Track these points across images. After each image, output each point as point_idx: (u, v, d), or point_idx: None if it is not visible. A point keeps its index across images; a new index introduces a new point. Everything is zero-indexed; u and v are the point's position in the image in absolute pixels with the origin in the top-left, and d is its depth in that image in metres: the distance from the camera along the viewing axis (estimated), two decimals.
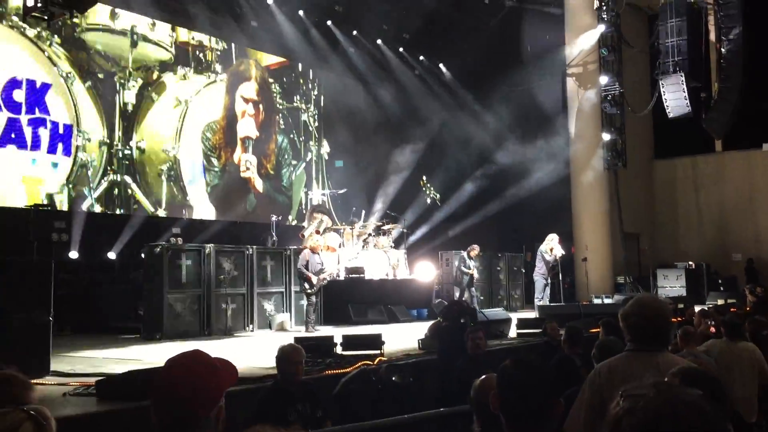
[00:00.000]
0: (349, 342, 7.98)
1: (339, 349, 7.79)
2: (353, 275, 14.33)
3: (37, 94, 13.00)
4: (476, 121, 21.46)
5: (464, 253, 15.37)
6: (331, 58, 19.28)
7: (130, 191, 14.41)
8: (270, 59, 17.92)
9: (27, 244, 9.59)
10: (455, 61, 21.96)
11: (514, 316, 11.30)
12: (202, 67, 16.32)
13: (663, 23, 16.79)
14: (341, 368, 6.84)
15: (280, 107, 17.81)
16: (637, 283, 18.88)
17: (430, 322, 9.27)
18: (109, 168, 14.11)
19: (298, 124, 18.23)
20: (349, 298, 13.79)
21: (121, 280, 13.41)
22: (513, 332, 10.53)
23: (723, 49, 17.67)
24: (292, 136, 17.96)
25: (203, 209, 15.75)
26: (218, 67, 16.58)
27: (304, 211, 17.83)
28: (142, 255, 11.69)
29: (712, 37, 18.20)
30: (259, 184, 16.83)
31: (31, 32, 13.08)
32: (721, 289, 18.91)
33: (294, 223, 17.66)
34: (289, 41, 17.86)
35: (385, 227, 16.48)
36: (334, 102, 19.77)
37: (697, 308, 10.08)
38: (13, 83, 12.73)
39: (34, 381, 6.52)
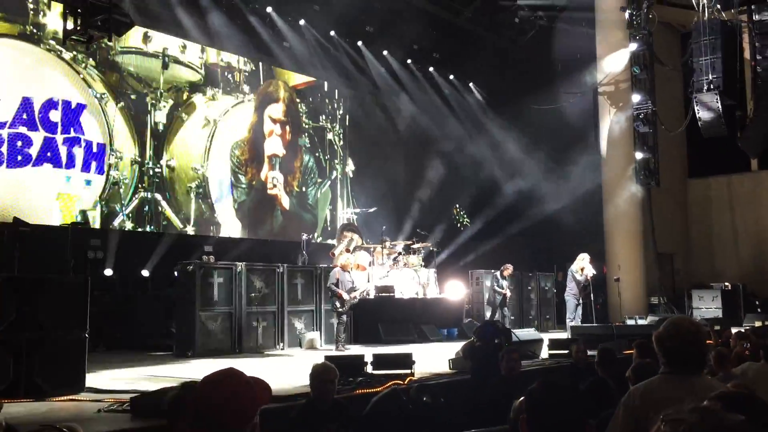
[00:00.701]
0: (380, 361, 7.97)
1: (369, 368, 7.78)
2: (383, 294, 14.32)
3: (72, 115, 13.41)
4: (506, 140, 21.40)
5: (497, 273, 15.28)
6: (359, 78, 19.47)
7: (159, 208, 14.73)
8: (297, 79, 18.18)
9: (64, 262, 9.75)
10: (485, 80, 21.99)
11: (546, 337, 11.19)
12: (231, 87, 16.65)
13: (696, 41, 16.60)
14: (372, 387, 6.83)
15: (306, 126, 18.04)
16: (672, 304, 18.57)
17: (461, 342, 9.22)
18: (140, 185, 14.47)
19: (323, 143, 18.43)
20: (379, 317, 13.78)
21: (154, 297, 13.56)
22: (545, 353, 10.43)
23: (758, 68, 17.41)
24: (317, 154, 18.18)
25: (231, 226, 16.00)
26: (246, 88, 16.91)
27: (329, 228, 17.98)
28: (175, 273, 11.83)
29: (747, 55, 17.96)
30: (285, 202, 17.04)
31: (67, 55, 13.52)
32: (759, 310, 18.50)
33: (319, 240, 17.76)
34: (318, 60, 18.10)
35: (415, 246, 16.47)
36: (360, 121, 19.95)
37: (733, 330, 9.88)
38: (50, 104, 13.13)
39: (70, 397, 6.64)
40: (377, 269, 15.10)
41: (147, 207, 14.54)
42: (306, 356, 10.76)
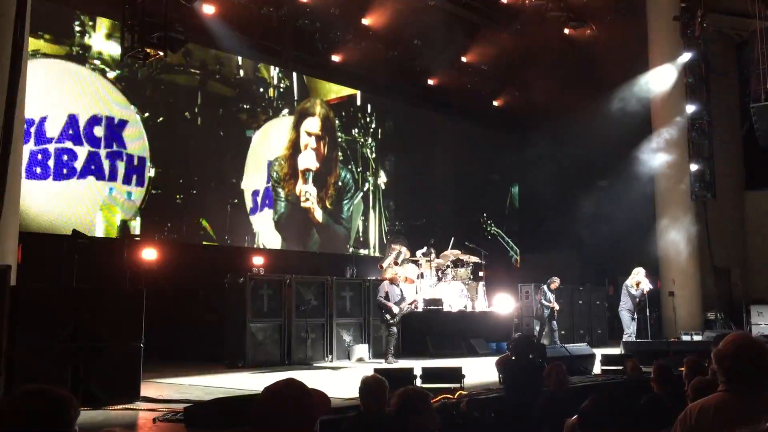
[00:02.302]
0: (429, 374, 7.93)
1: (419, 382, 7.75)
2: (431, 307, 14.27)
3: (115, 130, 13.96)
4: (557, 152, 21.18)
5: (544, 286, 15.08)
6: (405, 89, 19.70)
7: (197, 220, 15.02)
8: (332, 94, 18.42)
9: (120, 273, 10.02)
10: (535, 92, 21.83)
11: (598, 352, 10.98)
12: (266, 103, 16.97)
13: (753, 50, 16.19)
14: None
15: (340, 140, 18.24)
16: (729, 319, 18.02)
17: None
18: (177, 197, 14.85)
19: (356, 156, 18.59)
20: (428, 330, 13.74)
21: (205, 308, 13.78)
22: (597, 368, 10.23)
23: None
24: (350, 166, 18.32)
25: (270, 238, 16.25)
26: (280, 104, 17.22)
27: (361, 239, 18.09)
28: (226, 284, 12.02)
29: None
30: (318, 215, 17.24)
31: (112, 74, 14.11)
32: None
33: (351, 251, 17.87)
34: (361, 72, 18.41)
35: (464, 258, 16.39)
36: (400, 133, 20.11)
37: None
38: (94, 120, 13.71)
39: (125, 406, 6.79)
40: (426, 282, 15.07)
41: (184, 217, 14.96)
42: (355, 369, 10.79)
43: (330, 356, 12.31)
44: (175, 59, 14.61)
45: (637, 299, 14.28)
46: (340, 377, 9.73)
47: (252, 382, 9.10)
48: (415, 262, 15.62)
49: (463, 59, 20.58)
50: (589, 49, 21.02)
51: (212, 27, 15.21)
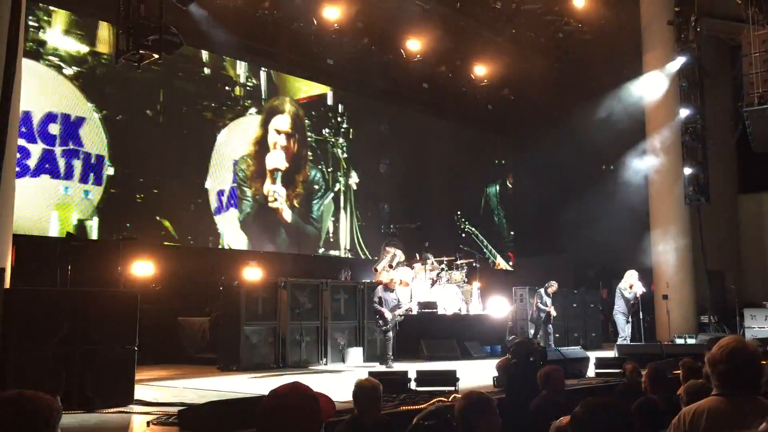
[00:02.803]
0: (424, 378, 7.93)
1: (413, 385, 7.75)
2: (426, 310, 14.28)
3: (71, 128, 13.62)
4: (550, 154, 21.24)
5: (541, 290, 15.10)
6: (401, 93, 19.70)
7: (158, 218, 14.73)
8: (302, 93, 18.13)
9: (114, 276, 10.00)
10: (529, 94, 21.89)
11: (592, 355, 11.00)
12: (232, 102, 16.62)
13: (746, 54, 16.26)
14: (416, 404, 6.81)
15: (310, 140, 18.00)
16: (723, 323, 18.07)
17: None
18: (137, 197, 14.54)
19: (326, 156, 18.38)
20: (422, 333, 13.74)
21: (199, 311, 13.76)
22: (591, 371, 10.25)
23: None
24: (320, 166, 18.10)
25: (234, 238, 15.96)
26: (247, 102, 16.90)
27: (332, 240, 17.92)
28: (220, 287, 12.00)
29: None
30: (287, 215, 16.99)
31: (68, 71, 13.76)
32: None
33: (321, 252, 17.74)
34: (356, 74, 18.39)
35: (458, 262, 16.42)
36: (395, 135, 20.09)
37: None
38: (49, 117, 13.40)
39: (119, 409, 6.77)
40: (420, 285, 15.08)
41: (145, 217, 14.58)
42: (349, 372, 10.79)
43: (324, 359, 12.30)
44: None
45: (631, 302, 14.33)
46: (334, 380, 9.71)
47: (246, 385, 9.09)
48: (410, 265, 15.64)
49: (458, 63, 20.61)
50: (583, 53, 21.09)
51: (206, 29, 15.19)
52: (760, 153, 16.93)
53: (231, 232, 15.94)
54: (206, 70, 16.11)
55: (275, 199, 16.80)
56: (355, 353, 12.65)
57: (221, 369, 11.18)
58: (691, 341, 14.84)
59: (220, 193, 15.88)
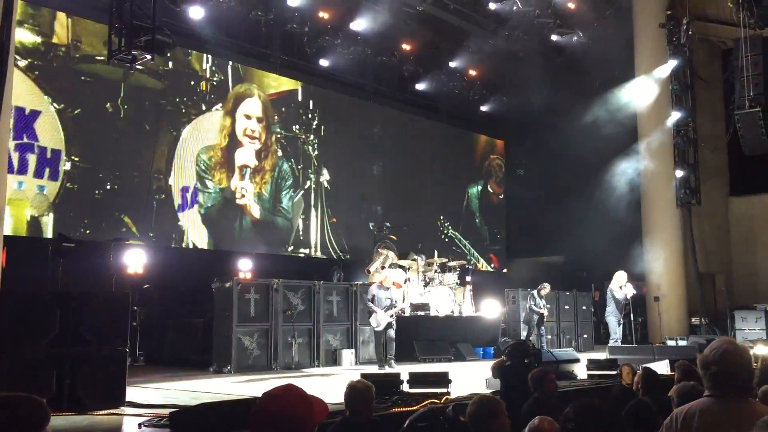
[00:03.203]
0: (416, 379, 7.93)
1: (406, 387, 7.75)
2: (418, 312, 14.29)
3: (25, 121, 13.21)
4: (541, 157, 21.31)
5: (534, 292, 15.13)
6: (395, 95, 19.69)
7: (117, 214, 14.42)
8: (271, 89, 17.76)
9: (106, 277, 9.97)
10: (522, 97, 21.94)
11: (584, 357, 11.03)
12: (197, 97, 16.22)
13: (737, 57, 16.36)
14: (408, 406, 6.81)
15: (280, 136, 17.68)
16: (714, 325, 18.16)
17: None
18: (96, 192, 14.17)
19: (296, 153, 18.03)
20: (415, 335, 13.75)
21: (192, 312, 13.72)
22: (583, 373, 10.27)
23: None
24: (290, 163, 17.80)
25: (196, 233, 15.64)
26: (213, 98, 16.51)
27: (302, 238, 17.68)
28: (213, 288, 11.98)
29: None
30: (255, 211, 16.64)
31: (23, 62, 13.26)
32: None
33: (291, 249, 17.48)
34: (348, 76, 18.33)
35: (451, 263, 16.43)
36: (388, 137, 20.04)
37: None
38: None
39: (110, 411, 6.75)
40: (413, 286, 15.08)
41: (104, 213, 14.26)
42: (341, 373, 10.78)
43: (317, 361, 12.28)
44: (94, 50, 14.00)
45: (622, 303, 14.36)
46: (327, 382, 9.70)
47: (238, 387, 9.06)
48: (402, 267, 15.64)
49: (451, 64, 20.66)
50: (575, 55, 21.15)
51: (199, 29, 15.17)
52: (750, 156, 17.03)
53: (194, 228, 15.53)
54: (170, 65, 15.57)
55: (243, 196, 16.43)
56: (347, 354, 12.64)
57: (213, 371, 11.14)
58: (682, 343, 14.89)
59: (184, 189, 15.49)
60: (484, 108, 22.01)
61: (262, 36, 17.10)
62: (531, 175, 21.85)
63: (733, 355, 2.89)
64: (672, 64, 18.11)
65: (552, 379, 6.13)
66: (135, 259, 13.36)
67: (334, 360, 12.55)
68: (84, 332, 6.96)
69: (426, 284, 15.49)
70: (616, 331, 14.30)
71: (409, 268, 15.67)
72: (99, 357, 7.01)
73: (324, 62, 18.13)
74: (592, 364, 10.32)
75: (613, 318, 14.38)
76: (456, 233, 19.48)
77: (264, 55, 17.42)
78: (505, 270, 20.24)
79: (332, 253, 18.13)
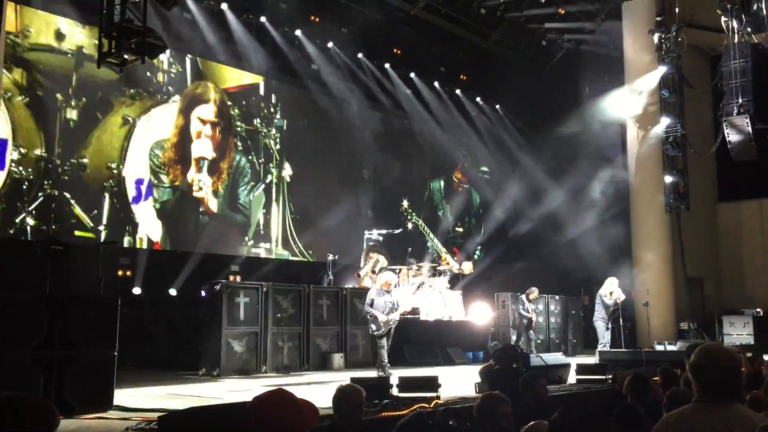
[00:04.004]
0: (406, 384, 7.91)
1: (395, 391, 7.74)
2: (408, 316, 14.28)
3: None
4: (533, 162, 21.38)
5: (523, 296, 15.16)
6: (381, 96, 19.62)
7: (68, 207, 14.06)
8: (230, 82, 17.43)
9: (95, 280, 9.89)
10: (512, 103, 22.03)
11: (573, 361, 11.05)
12: (153, 88, 15.88)
13: (726, 64, 16.48)
14: (397, 410, 6.80)
15: (239, 129, 17.39)
16: (702, 330, 18.25)
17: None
18: (45, 183, 13.81)
19: (257, 146, 17.74)
20: (405, 339, 13.73)
21: (181, 316, 13.67)
22: (572, 378, 10.29)
23: None
24: (250, 157, 17.46)
25: (150, 227, 15.35)
26: (171, 89, 16.19)
27: (262, 233, 17.53)
28: (202, 292, 11.94)
29: None
30: (213, 204, 16.33)
31: None
32: None
33: (251, 243, 17.20)
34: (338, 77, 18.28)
35: (441, 268, 16.45)
36: (380, 141, 19.97)
37: (766, 357, 9.68)
38: None
39: (98, 415, 6.70)
40: (403, 291, 15.07)
41: (53, 205, 13.92)
42: (331, 377, 10.74)
43: (306, 365, 12.26)
44: (44, 39, 13.81)
45: (611, 308, 14.41)
46: (316, 386, 9.67)
47: (228, 391, 9.02)
48: (393, 270, 15.64)
49: (442, 69, 20.73)
50: (566, 61, 21.28)
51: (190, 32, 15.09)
52: (738, 162, 17.15)
53: (148, 222, 15.22)
54: (126, 56, 15.24)
55: (200, 188, 16.16)
56: (337, 359, 12.62)
57: (203, 375, 11.09)
58: (671, 348, 14.95)
59: (139, 181, 15.17)
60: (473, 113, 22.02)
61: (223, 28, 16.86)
62: (519, 178, 21.85)
63: (723, 359, 2.90)
64: (661, 70, 18.23)
65: (543, 384, 6.15)
66: (125, 262, 13.29)
67: (323, 364, 12.52)
68: (72, 335, 6.91)
69: (416, 288, 15.49)
70: (604, 336, 14.35)
71: (399, 272, 15.68)
72: (87, 360, 6.96)
73: (288, 56, 17.93)
74: (581, 369, 10.35)
75: (601, 323, 14.43)
76: (419, 221, 19.41)
77: (225, 48, 17.17)
78: (455, 260, 19.87)
79: (293, 248, 17.88)
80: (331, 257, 15.43)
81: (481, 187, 23.23)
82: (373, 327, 10.61)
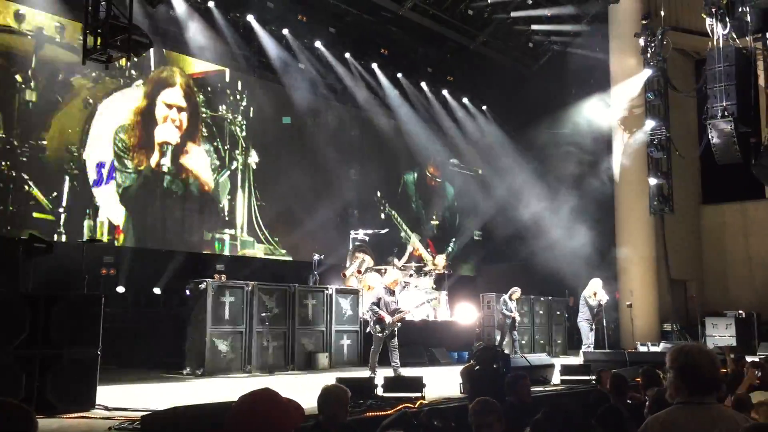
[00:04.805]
0: (390, 384, 7.93)
1: (380, 391, 7.74)
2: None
3: None
4: (519, 163, 21.45)
5: (505, 296, 15.21)
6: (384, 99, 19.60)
7: (26, 188, 13.85)
8: (195, 68, 17.10)
9: (78, 279, 9.82)
10: (499, 104, 22.10)
11: (557, 362, 11.10)
12: (116, 71, 15.47)
13: (711, 68, 16.61)
14: (382, 410, 6.81)
15: (205, 116, 17.10)
16: (685, 331, 18.40)
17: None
18: (3, 164, 13.59)
19: (223, 133, 17.48)
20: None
21: (165, 315, 13.59)
22: (556, 378, 10.34)
23: None
24: (216, 143, 17.25)
25: (112, 211, 15.14)
26: (133, 73, 15.90)
27: (227, 219, 17.34)
28: (187, 291, 11.88)
29: (762, 82, 17.94)
30: (177, 189, 16.15)
31: None
32: None
33: (216, 228, 16.93)
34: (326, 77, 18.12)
35: (426, 268, 16.46)
36: (365, 141, 19.89)
37: (748, 359, 9.76)
38: None
39: (81, 414, 6.65)
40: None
41: (11, 185, 13.71)
42: (316, 377, 10.73)
43: (291, 364, 12.23)
44: (3, 20, 13.63)
45: (595, 310, 14.49)
46: (301, 386, 9.65)
47: (212, 390, 8.98)
48: (378, 271, 15.64)
49: (429, 69, 20.76)
50: (552, 63, 21.38)
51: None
52: (722, 165, 17.28)
53: (110, 206, 15.01)
54: (90, 38, 14.87)
55: (165, 173, 15.88)
56: (322, 358, 12.60)
57: (187, 374, 11.04)
58: (654, 349, 15.07)
59: (100, 165, 14.94)
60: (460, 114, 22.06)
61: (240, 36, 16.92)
62: (504, 179, 21.90)
63: (701, 360, 2.92)
64: (647, 73, 18.36)
65: (526, 385, 6.17)
66: (109, 261, 13.21)
67: (309, 363, 12.50)
68: (54, 334, 6.85)
69: (402, 288, 15.48)
70: (588, 336, 14.43)
71: (385, 272, 15.66)
72: (69, 360, 6.91)
73: (301, 65, 17.99)
74: (566, 370, 10.40)
75: (585, 324, 14.51)
76: (393, 212, 19.42)
77: (240, 55, 17.25)
78: (429, 252, 19.70)
79: (259, 235, 17.77)
80: (316, 257, 15.39)
81: (457, 183, 23.13)
82: (378, 328, 10.26)
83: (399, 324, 10.46)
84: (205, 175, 16.81)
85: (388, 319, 10.18)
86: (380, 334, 10.23)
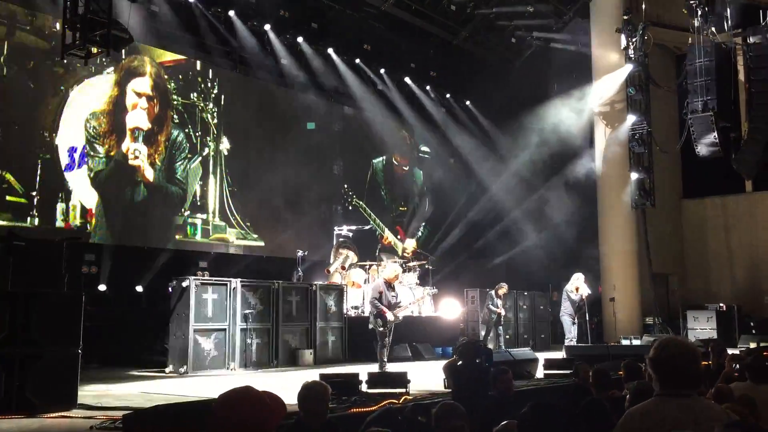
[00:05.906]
0: (375, 380, 7.93)
1: (364, 387, 7.74)
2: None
3: None
4: (501, 158, 21.51)
5: (492, 292, 15.26)
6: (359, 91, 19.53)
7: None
8: (166, 56, 16.96)
9: (58, 277, 9.72)
10: (481, 99, 22.12)
11: (541, 356, 11.15)
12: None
13: (691, 63, 16.75)
14: (366, 407, 6.79)
15: (176, 103, 16.93)
16: (667, 324, 18.56)
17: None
18: None
19: (194, 119, 17.29)
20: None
21: (148, 313, 13.49)
22: (540, 373, 10.39)
23: (752, 89, 17.55)
24: (187, 130, 17.06)
25: (84, 195, 15.07)
26: (104, 60, 15.43)
27: (198, 204, 17.39)
28: (169, 288, 11.80)
29: (741, 77, 18.11)
30: (149, 174, 16.05)
31: None
32: (753, 331, 18.49)
33: (187, 213, 16.83)
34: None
35: (411, 264, 16.48)
36: (349, 137, 19.79)
37: (729, 351, 9.86)
38: None
39: (62, 414, 6.59)
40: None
41: None
42: (299, 374, 10.71)
43: (275, 361, 12.20)
44: None
45: (577, 304, 14.58)
46: (284, 382, 9.63)
47: (195, 388, 8.93)
48: (362, 267, 15.64)
49: (412, 65, 20.74)
50: (534, 58, 21.45)
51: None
52: (702, 159, 17.44)
53: (82, 190, 14.96)
54: (57, 26, 14.29)
55: (136, 157, 15.90)
56: (306, 355, 12.58)
57: (170, 372, 10.98)
58: (636, 342, 15.18)
59: (72, 149, 14.91)
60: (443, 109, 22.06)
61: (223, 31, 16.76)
62: (489, 175, 21.93)
63: (682, 352, 2.94)
64: (628, 68, 18.45)
65: (508, 379, 6.18)
66: (90, 259, 13.09)
67: (293, 360, 12.48)
68: (34, 333, 6.78)
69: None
70: (570, 330, 14.53)
71: (369, 268, 15.67)
72: (50, 358, 6.84)
73: (285, 61, 17.91)
74: (549, 364, 10.45)
75: (567, 318, 14.60)
76: (361, 203, 19.43)
77: (222, 51, 17.11)
78: (398, 239, 19.57)
79: (230, 219, 17.73)
80: (300, 253, 15.35)
81: (425, 167, 23.05)
82: (380, 322, 10.24)
83: (400, 318, 10.53)
84: (177, 162, 16.75)
85: (390, 316, 10.21)
86: (382, 329, 10.28)
